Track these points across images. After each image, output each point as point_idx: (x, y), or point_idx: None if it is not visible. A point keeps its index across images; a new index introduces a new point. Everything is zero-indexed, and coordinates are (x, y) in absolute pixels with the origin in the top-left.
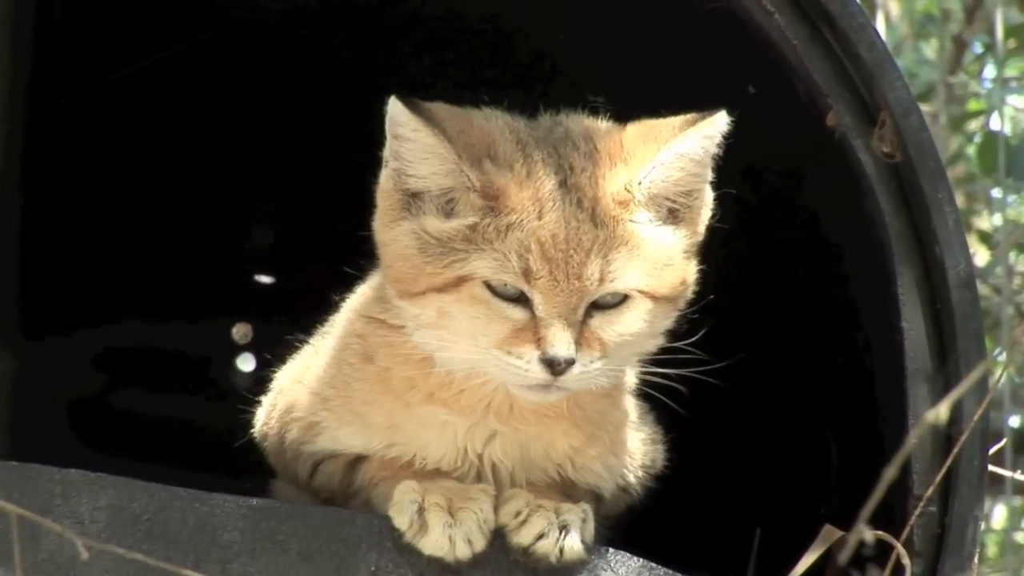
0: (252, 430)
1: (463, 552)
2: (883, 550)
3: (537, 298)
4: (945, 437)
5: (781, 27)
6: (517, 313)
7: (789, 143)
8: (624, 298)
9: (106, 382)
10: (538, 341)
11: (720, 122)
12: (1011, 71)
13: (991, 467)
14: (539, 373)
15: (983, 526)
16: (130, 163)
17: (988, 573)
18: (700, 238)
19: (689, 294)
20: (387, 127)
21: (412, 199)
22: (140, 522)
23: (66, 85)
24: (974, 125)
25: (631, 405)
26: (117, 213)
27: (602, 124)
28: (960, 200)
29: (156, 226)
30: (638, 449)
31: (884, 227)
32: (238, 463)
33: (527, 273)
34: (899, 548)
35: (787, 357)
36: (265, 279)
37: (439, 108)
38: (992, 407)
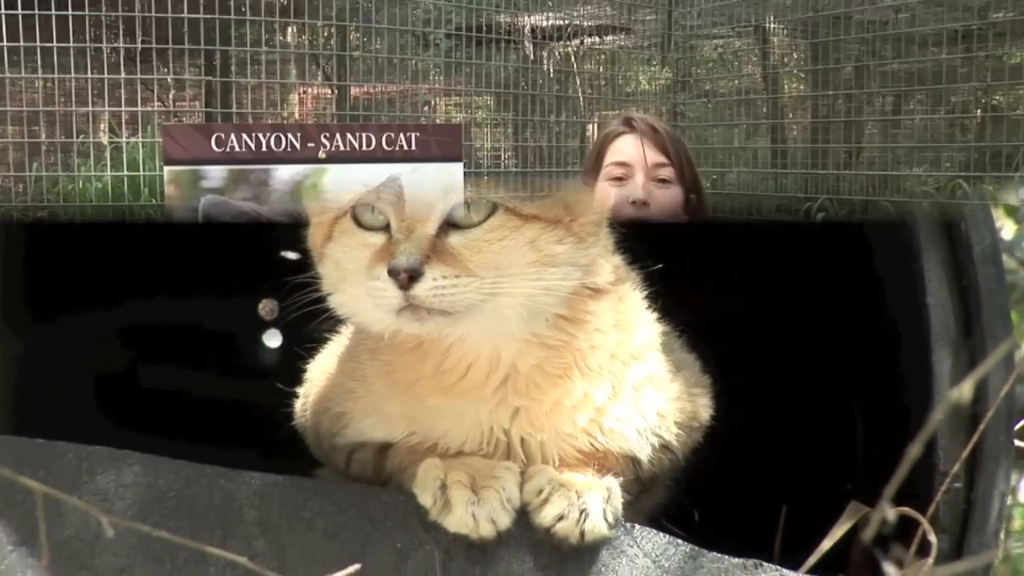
0: (292, 422)
1: (487, 530)
2: (907, 527)
3: (392, 219)
4: (971, 413)
5: None
6: (379, 239)
7: None
8: (488, 216)
9: (131, 358)
10: (388, 258)
11: None
12: None
13: (1017, 442)
14: (392, 289)
15: (1009, 501)
16: None
17: (1015, 547)
18: None
19: (586, 222)
20: None
21: None
22: (166, 499)
23: None
24: None
25: (657, 362)
26: None
27: None
28: None
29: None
30: (670, 407)
31: None
32: (267, 442)
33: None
34: (925, 524)
35: (812, 333)
36: (291, 255)
37: None
38: (1018, 382)
